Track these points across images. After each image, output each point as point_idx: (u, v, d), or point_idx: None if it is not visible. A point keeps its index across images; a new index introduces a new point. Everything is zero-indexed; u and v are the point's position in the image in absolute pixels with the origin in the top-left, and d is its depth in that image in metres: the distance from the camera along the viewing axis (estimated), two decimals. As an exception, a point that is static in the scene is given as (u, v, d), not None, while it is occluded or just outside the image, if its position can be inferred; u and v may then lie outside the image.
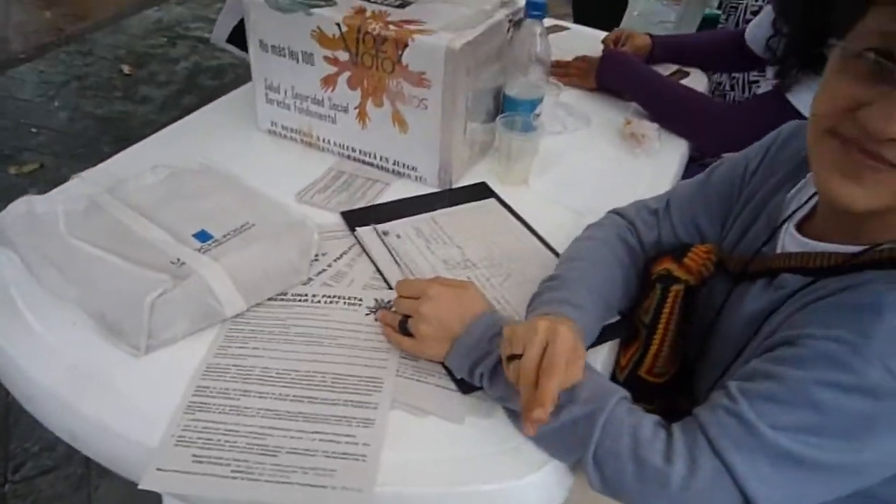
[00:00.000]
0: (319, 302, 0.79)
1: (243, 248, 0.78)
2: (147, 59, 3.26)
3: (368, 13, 0.95)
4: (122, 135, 2.65)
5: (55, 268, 0.76)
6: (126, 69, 3.14)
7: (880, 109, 0.52)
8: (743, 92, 1.62)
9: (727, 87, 1.67)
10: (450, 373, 0.70)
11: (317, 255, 0.85)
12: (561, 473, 0.64)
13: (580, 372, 0.60)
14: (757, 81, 1.56)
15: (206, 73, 3.16)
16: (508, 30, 1.02)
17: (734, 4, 1.65)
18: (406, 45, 0.90)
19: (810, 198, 0.68)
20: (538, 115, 1.08)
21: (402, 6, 0.99)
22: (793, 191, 0.71)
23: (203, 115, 1.19)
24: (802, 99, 1.06)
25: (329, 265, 0.85)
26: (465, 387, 0.69)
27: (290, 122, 1.08)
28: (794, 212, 0.69)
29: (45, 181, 2.34)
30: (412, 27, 0.92)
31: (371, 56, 0.94)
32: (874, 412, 0.53)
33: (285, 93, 1.05)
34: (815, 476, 0.55)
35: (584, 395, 0.61)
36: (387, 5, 0.98)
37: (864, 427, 0.53)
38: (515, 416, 0.65)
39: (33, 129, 2.65)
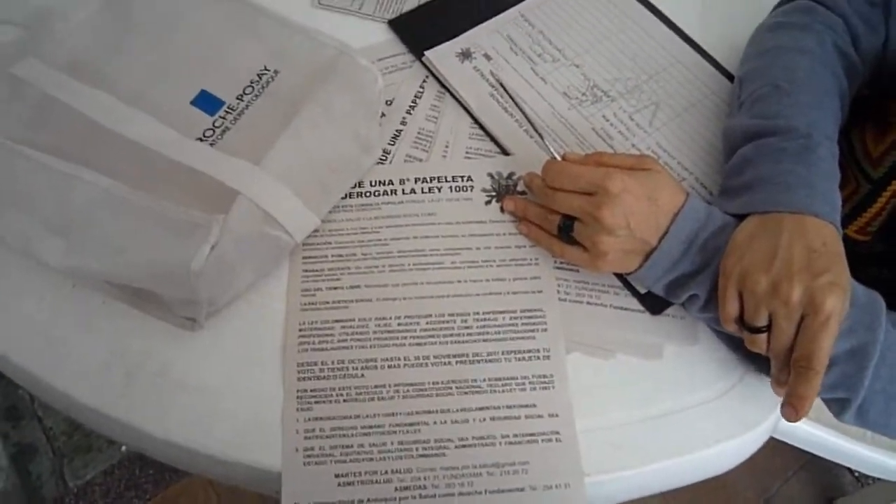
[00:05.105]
0: (414, 192, 0.56)
1: (283, 128, 0.50)
2: None
3: None
4: None
5: (12, 206, 0.49)
6: None
7: None
8: None
9: None
10: (626, 283, 0.52)
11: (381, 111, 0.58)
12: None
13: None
14: None
15: None
16: None
17: None
18: None
19: None
20: None
21: None
22: None
23: None
24: None
25: (403, 122, 0.59)
26: (655, 304, 0.52)
27: None
28: None
29: None
30: None
31: None
32: None
33: None
34: None
35: (843, 327, 0.45)
36: None
37: None
38: (731, 342, 0.50)
39: None
